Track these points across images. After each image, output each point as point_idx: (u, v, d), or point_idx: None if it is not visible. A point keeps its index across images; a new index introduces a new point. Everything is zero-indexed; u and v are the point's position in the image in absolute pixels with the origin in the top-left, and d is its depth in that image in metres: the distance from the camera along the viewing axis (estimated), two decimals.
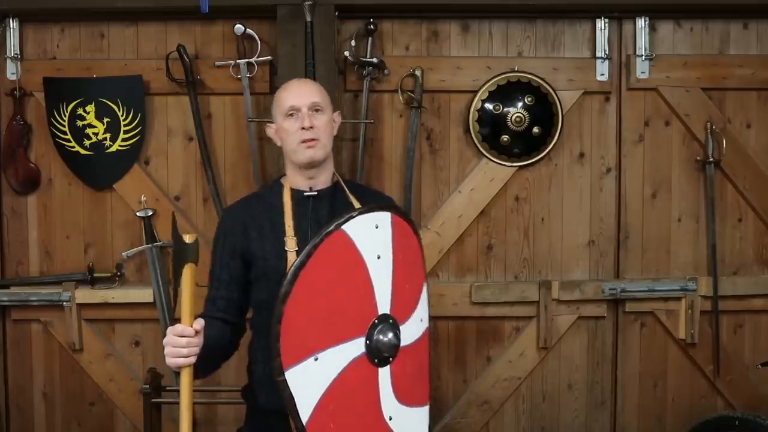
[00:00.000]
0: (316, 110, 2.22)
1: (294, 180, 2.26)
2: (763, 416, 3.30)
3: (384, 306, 1.97)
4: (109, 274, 3.48)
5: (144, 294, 3.42)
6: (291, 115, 2.22)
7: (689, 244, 3.59)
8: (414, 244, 2.12)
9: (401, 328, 2.00)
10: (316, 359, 1.85)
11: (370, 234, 1.95)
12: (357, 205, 2.20)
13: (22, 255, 3.53)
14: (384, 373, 1.98)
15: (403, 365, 2.01)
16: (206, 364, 2.07)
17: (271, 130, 2.33)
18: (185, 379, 1.93)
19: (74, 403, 3.57)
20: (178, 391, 1.97)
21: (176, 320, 1.99)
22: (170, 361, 1.94)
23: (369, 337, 1.93)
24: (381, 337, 1.94)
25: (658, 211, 3.57)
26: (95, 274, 3.46)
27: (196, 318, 1.98)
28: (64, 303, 3.44)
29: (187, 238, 1.89)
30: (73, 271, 3.51)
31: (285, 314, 1.82)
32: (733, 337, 3.62)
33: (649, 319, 3.58)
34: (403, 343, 2.00)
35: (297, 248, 2.13)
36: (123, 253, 3.47)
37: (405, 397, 2.04)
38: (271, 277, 2.16)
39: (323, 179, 2.26)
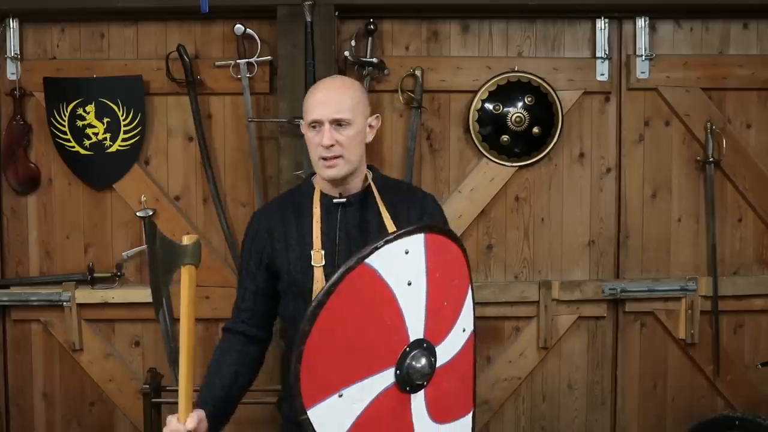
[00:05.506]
0: (340, 124, 2.04)
1: (323, 184, 2.13)
2: (763, 416, 3.30)
3: (417, 332, 1.88)
4: (109, 274, 3.48)
5: (144, 294, 3.41)
6: (314, 127, 2.06)
7: (689, 244, 3.59)
8: (454, 256, 1.99)
9: (437, 349, 1.92)
10: (340, 396, 1.78)
11: (400, 261, 1.84)
12: (387, 217, 2.09)
13: (22, 255, 3.53)
14: (417, 398, 1.90)
15: (440, 386, 1.93)
16: (226, 417, 2.06)
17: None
18: None
19: (74, 403, 3.57)
20: (177, 391, 1.95)
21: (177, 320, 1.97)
22: None
23: (399, 366, 1.85)
24: (414, 363, 1.86)
25: (658, 211, 3.57)
26: (95, 274, 3.46)
27: (195, 405, 1.92)
28: (64, 303, 3.44)
29: (186, 239, 1.86)
30: (73, 271, 3.51)
31: (305, 353, 1.74)
32: (733, 337, 3.62)
33: (649, 319, 3.58)
34: (439, 364, 1.92)
35: (323, 263, 2.04)
36: (123, 253, 3.47)
37: (442, 416, 1.97)
38: (297, 292, 2.08)
39: (353, 185, 2.13)
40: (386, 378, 1.85)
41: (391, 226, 2.08)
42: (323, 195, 2.13)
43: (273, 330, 2.27)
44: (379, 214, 2.10)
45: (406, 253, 1.85)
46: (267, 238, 2.13)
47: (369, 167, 2.21)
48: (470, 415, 2.08)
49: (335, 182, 2.11)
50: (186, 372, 1.86)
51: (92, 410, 3.57)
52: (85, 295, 3.45)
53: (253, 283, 2.16)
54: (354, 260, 1.78)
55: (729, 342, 3.61)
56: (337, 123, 2.05)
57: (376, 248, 1.80)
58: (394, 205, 2.13)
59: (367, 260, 1.79)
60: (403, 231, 1.87)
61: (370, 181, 2.16)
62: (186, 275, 1.84)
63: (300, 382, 1.75)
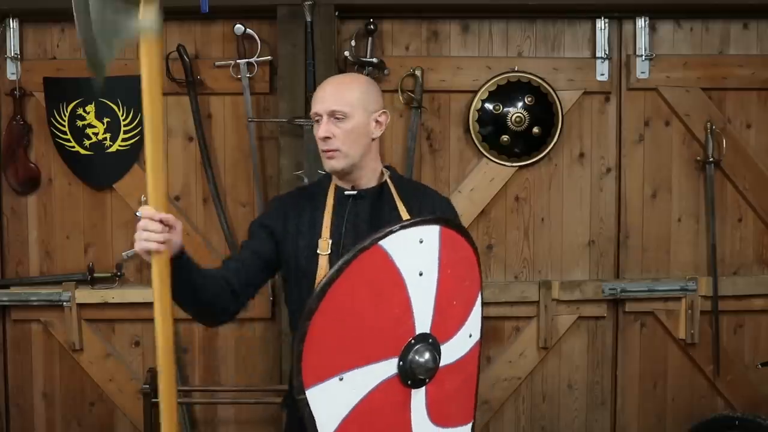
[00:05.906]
0: (336, 118, 2.08)
1: (336, 178, 2.18)
2: (763, 416, 3.31)
3: (423, 325, 1.86)
4: (109, 274, 3.48)
5: (144, 294, 3.41)
6: (317, 121, 2.12)
7: (689, 244, 3.59)
8: (467, 255, 1.99)
9: (443, 347, 1.90)
10: (341, 379, 1.76)
11: (413, 249, 1.83)
12: (402, 209, 2.11)
13: (22, 255, 3.53)
14: (418, 395, 1.88)
15: (442, 385, 1.92)
16: (187, 293, 1.93)
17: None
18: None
19: (74, 403, 3.57)
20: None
21: None
22: (141, 246, 1.91)
23: (402, 358, 1.83)
24: (417, 357, 1.84)
25: (658, 211, 3.57)
26: (95, 274, 3.46)
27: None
28: (64, 303, 3.44)
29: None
30: (73, 271, 3.51)
31: (309, 331, 1.72)
32: (733, 337, 3.62)
33: (649, 319, 3.58)
34: (443, 363, 1.90)
35: (329, 251, 2.07)
36: (123, 253, 3.47)
37: (441, 419, 1.96)
38: (301, 278, 2.11)
39: (365, 180, 2.16)
40: (389, 367, 1.83)
41: (406, 217, 2.10)
42: (337, 188, 2.17)
43: (247, 304, 2.19)
44: (393, 209, 2.13)
45: (420, 242, 1.85)
46: (283, 220, 2.18)
47: (386, 167, 2.23)
48: (469, 426, 2.06)
49: (341, 175, 2.15)
50: (153, 159, 1.79)
51: (92, 410, 3.57)
52: (85, 295, 3.45)
53: (253, 245, 2.17)
54: (369, 241, 1.78)
55: (729, 342, 3.61)
56: (334, 116, 2.09)
57: (392, 231, 1.80)
58: (407, 200, 2.16)
59: (381, 242, 1.79)
60: (419, 219, 1.89)
61: (386, 178, 2.19)
62: (145, 48, 1.53)
63: (302, 360, 1.74)
